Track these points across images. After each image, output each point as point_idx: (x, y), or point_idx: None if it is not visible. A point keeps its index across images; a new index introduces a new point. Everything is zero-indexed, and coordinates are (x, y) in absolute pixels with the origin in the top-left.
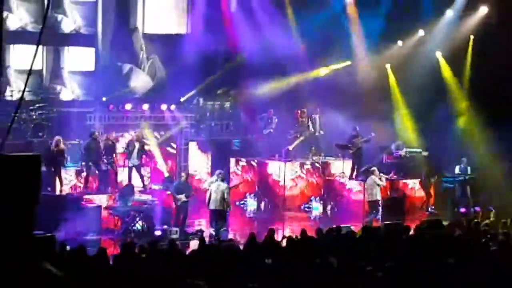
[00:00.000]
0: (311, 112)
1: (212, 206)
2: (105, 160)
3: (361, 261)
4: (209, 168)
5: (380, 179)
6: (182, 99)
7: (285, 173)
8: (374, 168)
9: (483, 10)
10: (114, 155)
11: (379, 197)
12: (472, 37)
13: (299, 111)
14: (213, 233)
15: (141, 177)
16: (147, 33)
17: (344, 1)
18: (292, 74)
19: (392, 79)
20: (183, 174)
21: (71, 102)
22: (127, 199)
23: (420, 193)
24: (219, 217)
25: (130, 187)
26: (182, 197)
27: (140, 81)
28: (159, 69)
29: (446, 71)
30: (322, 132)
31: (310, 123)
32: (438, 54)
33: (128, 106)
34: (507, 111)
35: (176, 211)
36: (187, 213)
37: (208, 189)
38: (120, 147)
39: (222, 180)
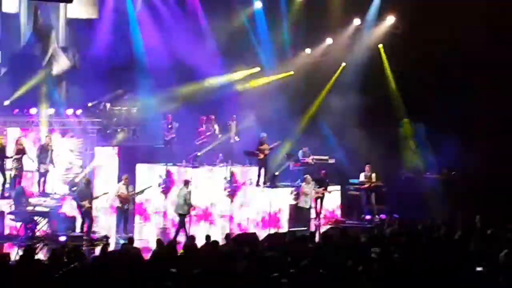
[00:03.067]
0: (226, 119)
1: (176, 211)
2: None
3: (268, 268)
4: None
5: (308, 187)
6: (89, 104)
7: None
8: (307, 175)
9: (390, 19)
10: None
11: (304, 205)
12: (381, 45)
13: (204, 117)
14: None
15: (44, 182)
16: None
17: (253, 9)
18: (201, 80)
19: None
20: (84, 180)
21: None
22: (20, 201)
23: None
24: (182, 221)
25: (19, 189)
26: (86, 203)
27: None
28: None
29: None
30: (237, 139)
31: (217, 129)
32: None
33: (33, 111)
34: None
35: (81, 217)
36: (92, 219)
37: (117, 194)
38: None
39: (185, 185)
